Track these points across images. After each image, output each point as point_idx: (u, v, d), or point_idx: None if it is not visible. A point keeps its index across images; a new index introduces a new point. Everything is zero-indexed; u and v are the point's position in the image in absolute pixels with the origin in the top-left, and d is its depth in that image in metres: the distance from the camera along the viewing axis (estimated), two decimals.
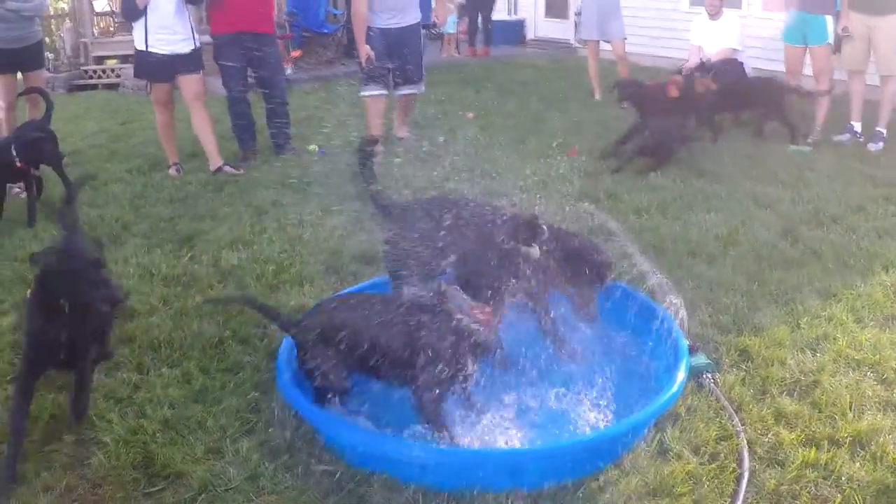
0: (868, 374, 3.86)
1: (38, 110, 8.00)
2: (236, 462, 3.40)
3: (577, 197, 6.35)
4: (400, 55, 8.28)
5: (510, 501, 3.03)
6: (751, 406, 3.57)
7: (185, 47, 7.69)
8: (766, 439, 3.36)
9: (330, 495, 3.17)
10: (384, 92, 8.44)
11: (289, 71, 12.83)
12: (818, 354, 4.01)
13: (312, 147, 8.80)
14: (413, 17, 8.38)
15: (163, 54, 7.64)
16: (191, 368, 4.17)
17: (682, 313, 4.02)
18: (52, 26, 15.42)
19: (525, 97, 10.47)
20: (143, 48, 7.67)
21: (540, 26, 16.80)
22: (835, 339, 4.14)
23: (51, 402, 3.85)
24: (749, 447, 3.29)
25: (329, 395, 3.55)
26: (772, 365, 3.88)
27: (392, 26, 8.21)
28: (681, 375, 3.42)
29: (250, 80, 8.52)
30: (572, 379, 3.70)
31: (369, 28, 8.14)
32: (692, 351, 3.84)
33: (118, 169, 8.41)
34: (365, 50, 8.11)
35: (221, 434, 3.60)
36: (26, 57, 8.25)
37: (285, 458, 3.41)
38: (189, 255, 5.79)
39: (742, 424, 3.43)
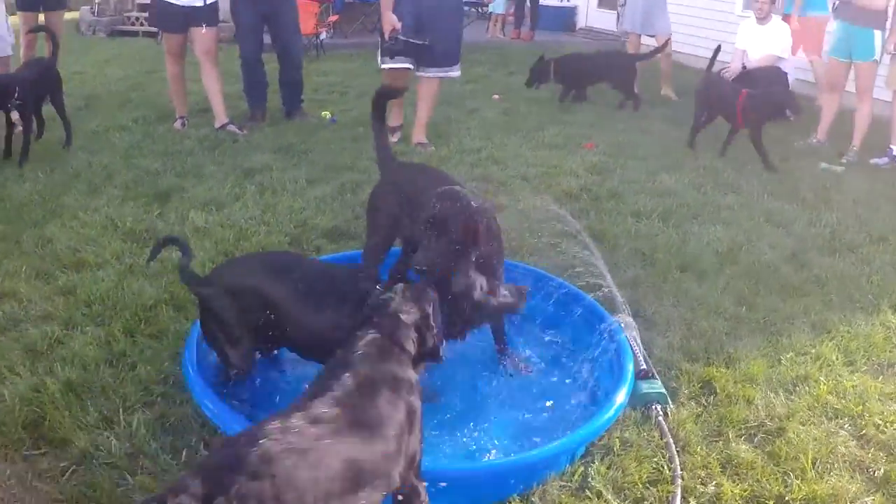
0: (845, 426, 3.39)
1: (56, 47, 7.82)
2: (123, 435, 3.15)
3: (575, 192, 5.99)
4: (433, 30, 6.95)
5: None
6: (698, 448, 3.13)
7: (200, 1, 7.40)
8: (706, 490, 2.93)
9: None
10: (408, 66, 7.12)
11: (324, 35, 12.55)
12: (793, 397, 3.54)
13: (325, 114, 8.52)
14: None
15: (178, 5, 7.40)
16: (115, 330, 3.91)
17: (635, 334, 3.64)
18: None
19: (558, 85, 10.01)
20: None
21: (591, 15, 16.29)
22: (816, 381, 3.67)
23: None
24: (682, 497, 2.87)
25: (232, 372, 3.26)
26: (735, 403, 3.44)
27: None
28: (617, 402, 3.03)
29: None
30: (505, 393, 3.34)
31: None
32: (645, 376, 3.43)
33: (126, 117, 8.27)
34: (389, 18, 6.87)
35: (120, 403, 3.35)
36: None
37: (171, 439, 3.14)
38: (158, 211, 5.55)
39: (681, 469, 2.99)
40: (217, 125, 7.78)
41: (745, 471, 3.04)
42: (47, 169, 6.40)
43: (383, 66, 7.16)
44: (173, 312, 4.09)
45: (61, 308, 4.16)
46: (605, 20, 16.03)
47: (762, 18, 8.53)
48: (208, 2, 7.45)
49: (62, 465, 3.02)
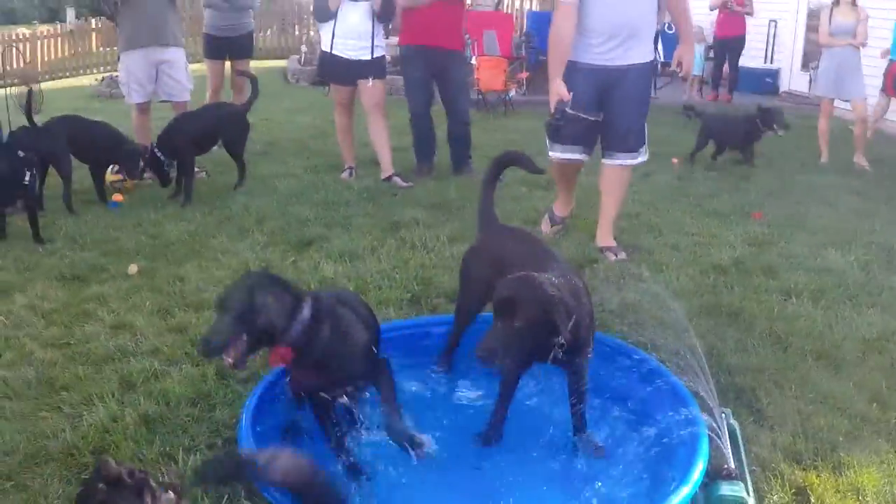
0: None
1: (242, 97, 8.30)
2: (175, 474, 2.90)
3: (727, 264, 5.59)
4: (613, 106, 5.67)
5: None
6: None
7: (368, 55, 7.63)
8: None
9: None
10: (582, 157, 5.94)
11: (513, 92, 12.54)
12: None
13: None
14: (642, 52, 5.65)
15: (346, 58, 7.63)
16: (209, 371, 3.97)
17: (735, 426, 3.27)
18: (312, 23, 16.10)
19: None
20: (328, 50, 7.69)
21: (795, 79, 15.41)
22: None
23: None
24: None
25: None
26: None
27: (608, 63, 5.54)
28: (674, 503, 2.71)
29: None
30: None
31: (574, 63, 5.58)
32: (728, 476, 3.06)
33: (298, 165, 8.60)
34: (557, 87, 5.45)
35: (186, 443, 3.43)
36: (235, 46, 8.65)
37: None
38: (293, 259, 5.67)
39: None
40: (383, 177, 7.94)
41: None
42: (206, 210, 6.73)
43: (551, 154, 5.96)
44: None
45: (169, 344, 4.31)
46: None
47: None
48: (376, 56, 7.62)
49: None
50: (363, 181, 7.90)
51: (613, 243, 5.94)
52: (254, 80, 7.89)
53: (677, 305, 4.34)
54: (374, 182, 7.85)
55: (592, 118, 5.60)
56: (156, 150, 7.07)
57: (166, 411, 3.65)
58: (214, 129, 7.50)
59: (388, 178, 7.87)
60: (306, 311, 2.98)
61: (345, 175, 8.08)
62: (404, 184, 7.79)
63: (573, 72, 5.54)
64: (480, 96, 12.46)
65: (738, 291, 5.16)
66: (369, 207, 7.01)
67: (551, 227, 6.37)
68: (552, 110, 5.52)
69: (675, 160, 9.18)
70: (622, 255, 5.79)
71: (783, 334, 4.51)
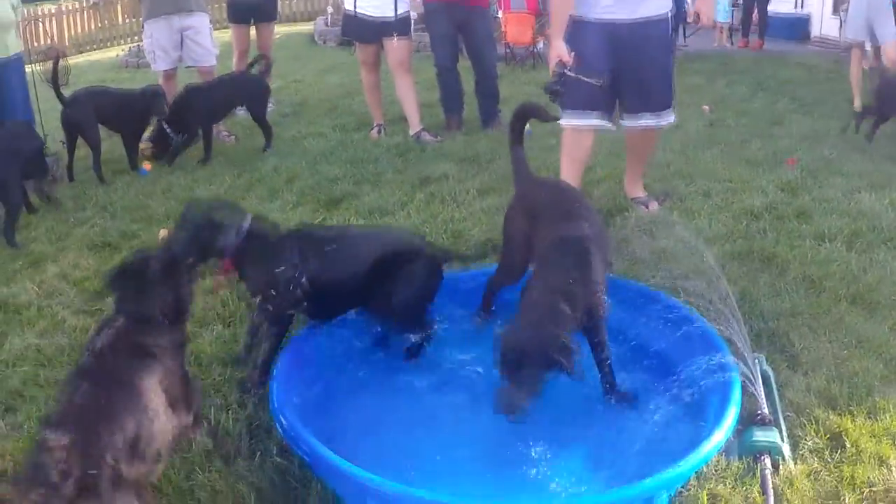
0: None
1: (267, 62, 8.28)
2: (207, 432, 3.17)
3: (760, 209, 5.51)
4: (629, 65, 5.16)
5: None
6: None
7: (391, 13, 7.57)
8: None
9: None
10: (598, 123, 5.34)
11: (541, 45, 12.39)
12: None
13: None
14: (657, 4, 5.14)
15: (369, 17, 7.59)
16: (241, 332, 3.99)
17: (768, 371, 3.24)
18: None
19: (776, 97, 9.32)
20: (352, 10, 7.65)
21: (826, 24, 15.05)
22: None
23: None
24: None
25: None
26: (865, 462, 2.93)
27: (619, 18, 5.06)
28: (705, 450, 2.70)
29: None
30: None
31: (581, 19, 5.12)
32: (762, 422, 3.04)
33: (327, 124, 8.60)
34: (557, 47, 5.00)
35: (220, 402, 3.50)
36: (259, 10, 8.63)
37: (251, 442, 3.20)
38: (323, 217, 5.69)
39: None
40: (411, 133, 7.91)
41: None
42: (236, 173, 6.75)
43: (563, 121, 5.31)
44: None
45: (200, 307, 4.31)
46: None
47: None
48: (400, 14, 7.55)
49: None
50: (392, 138, 7.88)
51: (643, 194, 5.78)
52: (266, 54, 7.89)
53: (710, 251, 4.31)
54: (404, 138, 7.82)
55: (595, 82, 4.93)
56: (164, 123, 7.10)
57: (198, 372, 3.69)
58: (228, 99, 7.57)
59: (417, 134, 7.84)
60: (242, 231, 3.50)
61: (374, 133, 8.08)
62: (433, 139, 7.75)
63: (581, 29, 5.09)
64: (509, 50, 12.33)
65: (770, 236, 5.08)
66: (398, 163, 7.00)
67: None
68: (550, 72, 5.02)
69: (705, 107, 9.03)
70: (654, 207, 5.63)
71: (817, 278, 4.43)
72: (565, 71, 4.91)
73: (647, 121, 5.37)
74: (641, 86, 5.25)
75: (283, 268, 3.50)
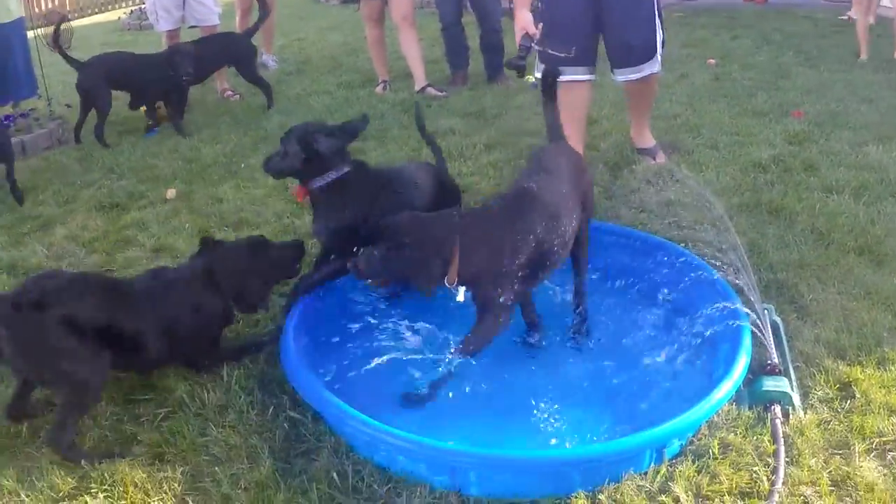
0: None
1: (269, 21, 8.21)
2: (220, 388, 3.29)
3: (767, 162, 5.49)
4: (609, 18, 5.03)
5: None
6: (811, 461, 2.72)
7: None
8: None
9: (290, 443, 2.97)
10: (586, 77, 5.19)
11: None
12: None
13: (529, 77, 8.30)
14: None
15: None
16: None
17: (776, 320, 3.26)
18: None
19: (781, 49, 9.19)
20: None
21: None
22: None
23: None
24: None
25: None
26: (874, 412, 2.94)
27: None
28: (716, 397, 2.74)
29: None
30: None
31: None
32: (772, 371, 3.06)
33: (332, 82, 8.55)
34: (522, 18, 4.83)
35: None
36: None
37: (263, 396, 3.23)
38: None
39: (783, 483, 2.61)
40: (416, 88, 7.87)
41: (860, 493, 2.59)
42: (242, 131, 6.73)
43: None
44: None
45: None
46: None
47: None
48: None
49: (158, 411, 3.18)
50: (398, 94, 7.83)
51: (650, 143, 5.69)
52: (263, 3, 7.77)
53: (718, 203, 4.31)
54: (409, 94, 7.77)
55: (563, 54, 4.77)
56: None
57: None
58: (211, 60, 7.34)
59: (423, 90, 7.80)
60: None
61: (379, 89, 8.03)
62: (439, 94, 7.72)
63: None
64: (512, 4, 12.20)
65: (778, 188, 5.08)
66: (404, 119, 6.95)
67: None
68: (517, 43, 4.81)
69: (711, 60, 8.96)
70: (661, 158, 5.60)
71: (825, 230, 4.43)
72: (531, 45, 4.77)
73: (627, 75, 5.24)
74: (622, 40, 5.11)
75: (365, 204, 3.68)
